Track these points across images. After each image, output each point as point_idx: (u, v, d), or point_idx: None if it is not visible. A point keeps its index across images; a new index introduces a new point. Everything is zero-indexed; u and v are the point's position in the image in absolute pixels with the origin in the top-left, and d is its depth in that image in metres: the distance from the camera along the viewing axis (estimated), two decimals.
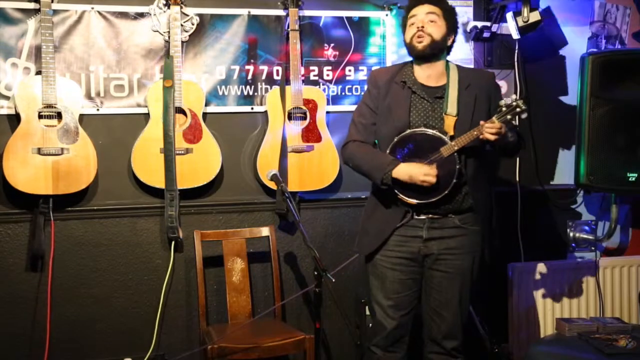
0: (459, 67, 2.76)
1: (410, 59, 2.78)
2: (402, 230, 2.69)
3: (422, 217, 2.67)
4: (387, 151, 2.66)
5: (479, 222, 2.72)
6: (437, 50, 2.67)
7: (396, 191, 2.63)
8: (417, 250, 2.69)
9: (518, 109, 2.52)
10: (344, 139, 2.84)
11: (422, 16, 2.67)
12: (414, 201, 2.63)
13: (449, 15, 2.71)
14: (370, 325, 2.93)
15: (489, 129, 2.51)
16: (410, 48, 2.70)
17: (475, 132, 2.54)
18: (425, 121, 2.66)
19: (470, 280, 2.73)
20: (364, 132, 2.75)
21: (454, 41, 2.75)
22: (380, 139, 2.73)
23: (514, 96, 2.58)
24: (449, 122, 2.63)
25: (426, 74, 2.72)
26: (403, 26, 2.76)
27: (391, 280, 2.72)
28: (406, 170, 2.58)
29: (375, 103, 2.74)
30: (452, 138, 2.60)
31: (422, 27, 2.64)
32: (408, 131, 2.64)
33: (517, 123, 2.68)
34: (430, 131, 2.62)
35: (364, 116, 2.77)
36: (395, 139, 2.64)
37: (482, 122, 2.54)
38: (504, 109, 2.53)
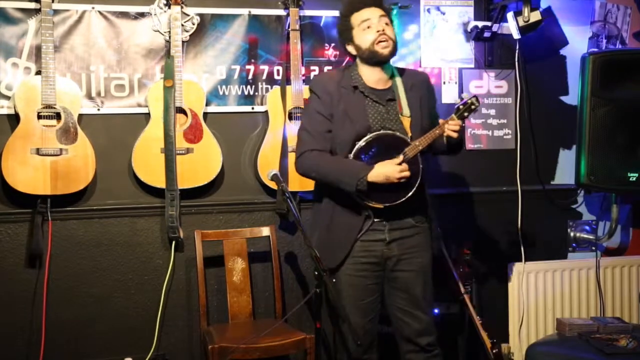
0: (397, 68, 2.79)
1: (347, 62, 2.79)
2: (364, 236, 2.68)
3: (382, 220, 2.68)
4: (351, 156, 2.63)
5: (428, 219, 2.78)
6: (396, 53, 2.70)
7: (362, 197, 2.61)
8: (380, 253, 2.69)
9: (473, 106, 2.60)
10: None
11: (377, 19, 2.65)
12: (380, 205, 2.63)
13: (392, 18, 2.74)
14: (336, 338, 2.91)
15: (452, 127, 2.57)
16: (371, 54, 2.65)
17: (437, 131, 2.60)
18: (383, 124, 2.67)
19: (430, 275, 2.78)
20: (321, 140, 2.68)
21: None
22: (337, 145, 2.68)
23: (465, 94, 2.70)
24: (406, 124, 2.67)
25: (376, 78, 2.72)
26: (347, 31, 2.70)
27: (356, 287, 2.70)
28: (382, 171, 2.57)
29: (329, 110, 2.68)
30: (410, 139, 2.64)
31: (383, 30, 2.63)
32: (370, 134, 2.63)
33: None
34: (393, 133, 2.65)
35: (318, 124, 2.69)
36: (358, 144, 2.62)
37: (441, 121, 2.60)
38: (460, 107, 2.60)
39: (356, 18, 2.68)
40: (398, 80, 2.74)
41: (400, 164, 2.58)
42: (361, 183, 2.56)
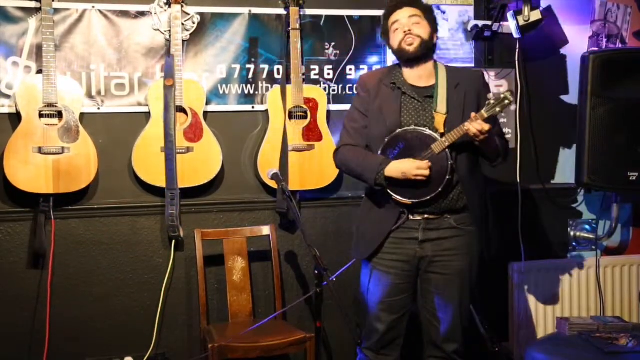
0: (447, 67, 2.77)
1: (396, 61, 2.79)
2: (397, 233, 2.68)
3: (418, 218, 2.66)
4: (379, 152, 2.65)
5: (474, 223, 2.71)
6: (426, 50, 2.69)
7: (390, 192, 2.62)
8: (412, 253, 2.68)
9: (506, 101, 2.52)
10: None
11: (405, 20, 2.67)
12: (408, 201, 2.62)
13: (430, 15, 2.73)
14: (360, 328, 2.91)
15: (476, 125, 2.48)
16: (400, 53, 2.69)
17: (465, 128, 2.53)
18: (416, 120, 2.67)
19: (469, 281, 2.72)
20: (355, 135, 2.75)
21: (437, 39, 2.77)
22: (372, 141, 2.71)
23: (500, 89, 2.62)
24: (439, 120, 2.64)
25: (416, 75, 2.72)
26: (385, 33, 2.76)
27: (385, 284, 2.70)
28: (398, 167, 2.57)
29: (366, 106, 2.74)
30: (441, 135, 2.61)
31: (409, 30, 2.65)
32: (398, 130, 2.64)
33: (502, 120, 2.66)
34: (420, 129, 2.63)
35: (355, 120, 2.76)
36: (386, 139, 2.64)
37: (472, 115, 2.53)
38: (492, 101, 2.53)
39: (390, 21, 2.73)
40: (442, 78, 2.70)
41: (424, 159, 2.56)
42: (379, 177, 2.59)
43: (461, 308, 2.71)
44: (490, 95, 2.55)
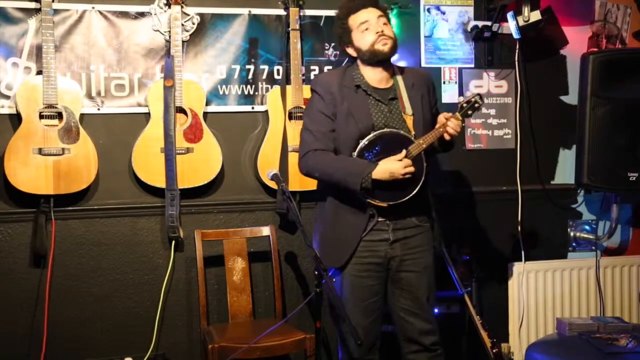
0: (397, 67, 2.79)
1: (347, 62, 2.80)
2: (369, 235, 2.68)
3: (386, 220, 2.68)
4: (355, 155, 2.63)
5: (430, 219, 2.78)
6: (396, 51, 2.71)
7: (366, 196, 2.60)
8: (384, 254, 2.69)
9: (477, 104, 2.63)
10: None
11: (375, 20, 2.66)
12: (384, 203, 2.63)
13: (389, 18, 2.75)
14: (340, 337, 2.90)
15: (454, 126, 2.59)
16: (372, 53, 2.66)
17: (441, 130, 2.60)
18: (386, 123, 2.67)
19: (433, 275, 2.78)
20: (323, 139, 2.67)
21: None
22: (340, 144, 2.68)
23: (468, 92, 2.70)
24: (409, 122, 2.68)
25: (378, 77, 2.72)
26: (346, 34, 2.70)
27: (358, 287, 2.70)
28: (386, 168, 2.57)
29: (332, 109, 2.68)
30: (414, 137, 2.65)
31: (382, 30, 2.65)
32: (374, 133, 2.63)
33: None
34: (397, 131, 2.65)
35: (321, 123, 2.68)
36: (362, 142, 2.62)
37: (442, 117, 2.61)
38: (464, 105, 2.63)
39: (354, 20, 2.68)
40: (399, 79, 2.75)
41: (407, 160, 2.57)
42: (366, 181, 2.56)
43: (431, 301, 2.77)
44: (461, 99, 2.66)
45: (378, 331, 2.78)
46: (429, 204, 2.78)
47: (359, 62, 2.75)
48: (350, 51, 2.74)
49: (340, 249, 2.69)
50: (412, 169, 2.57)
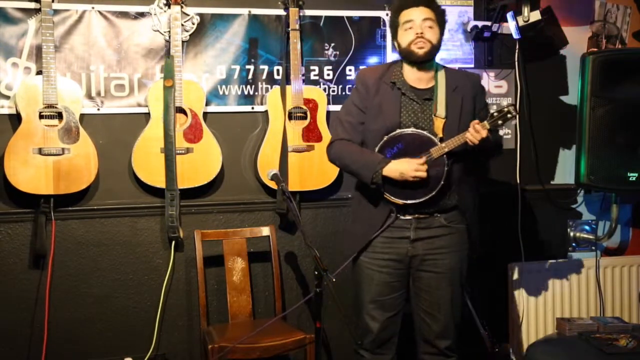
0: (446, 69, 2.78)
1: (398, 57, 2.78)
2: (388, 232, 2.69)
3: (409, 217, 2.68)
4: (376, 150, 2.65)
5: (464, 221, 2.73)
6: (434, 55, 2.69)
7: (383, 191, 2.62)
8: (404, 251, 2.69)
9: (509, 115, 2.56)
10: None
11: (420, 22, 2.65)
12: (400, 201, 2.63)
13: (442, 18, 2.72)
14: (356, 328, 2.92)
15: (475, 134, 2.52)
16: (407, 53, 2.67)
17: (466, 136, 2.56)
18: (415, 122, 2.67)
19: (460, 278, 2.74)
20: (351, 130, 2.74)
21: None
22: (368, 137, 2.71)
23: (505, 102, 2.62)
24: (438, 124, 2.65)
25: (417, 77, 2.72)
26: (393, 28, 2.73)
27: (377, 283, 2.71)
28: (397, 167, 2.58)
29: (364, 102, 2.72)
30: (441, 140, 2.62)
31: (422, 33, 2.63)
32: (398, 130, 2.64)
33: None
34: (421, 132, 2.63)
35: (352, 115, 2.75)
36: (385, 138, 2.64)
37: (474, 125, 2.54)
38: (495, 114, 2.57)
39: (402, 17, 2.69)
40: (441, 81, 2.71)
41: (422, 163, 2.57)
42: (377, 176, 2.58)
43: (453, 305, 2.73)
44: (494, 107, 2.58)
45: (395, 329, 2.78)
46: (466, 206, 2.73)
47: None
48: (395, 45, 2.76)
49: (354, 240, 2.74)
50: (423, 173, 2.56)
